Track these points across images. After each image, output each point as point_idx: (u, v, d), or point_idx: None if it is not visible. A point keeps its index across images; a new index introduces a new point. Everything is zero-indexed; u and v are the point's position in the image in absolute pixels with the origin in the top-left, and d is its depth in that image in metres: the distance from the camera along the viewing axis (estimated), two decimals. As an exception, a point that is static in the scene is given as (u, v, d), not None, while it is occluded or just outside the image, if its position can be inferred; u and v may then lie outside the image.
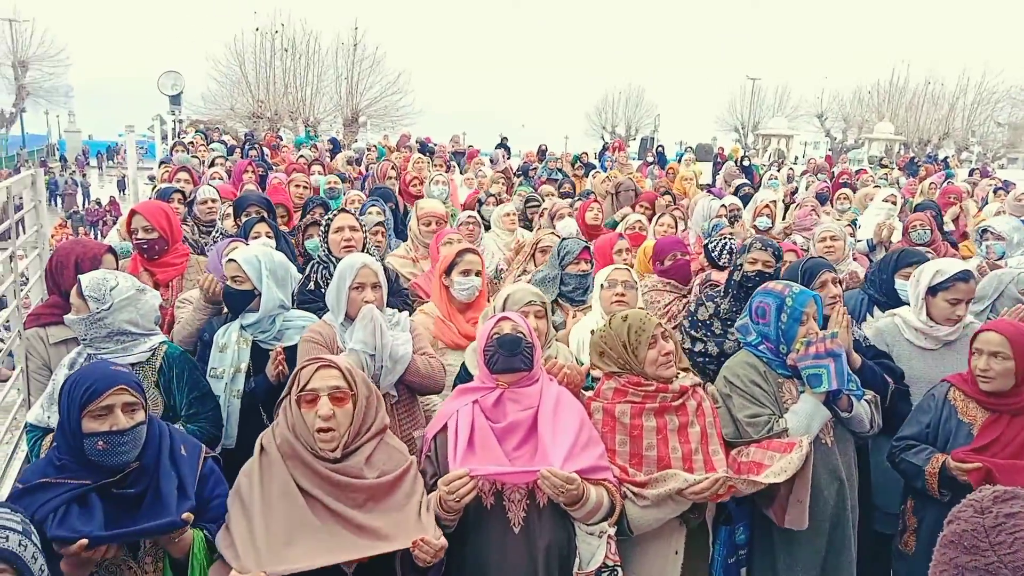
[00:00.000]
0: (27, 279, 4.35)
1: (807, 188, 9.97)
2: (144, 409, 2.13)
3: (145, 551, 2.12)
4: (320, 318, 3.18)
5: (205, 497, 2.19)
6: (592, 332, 2.92)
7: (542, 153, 14.09)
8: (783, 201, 8.85)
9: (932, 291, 3.32)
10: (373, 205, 5.49)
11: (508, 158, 13.75)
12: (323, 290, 3.40)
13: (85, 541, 1.89)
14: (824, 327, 3.02)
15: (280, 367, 3.07)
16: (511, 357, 2.45)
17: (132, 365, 2.68)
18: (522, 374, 2.49)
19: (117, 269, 3.37)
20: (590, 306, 3.75)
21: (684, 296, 4.37)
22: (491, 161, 12.79)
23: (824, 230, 4.98)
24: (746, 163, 14.77)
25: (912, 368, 3.36)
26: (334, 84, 30.95)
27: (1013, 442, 2.73)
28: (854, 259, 5.14)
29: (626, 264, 3.99)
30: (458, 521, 2.30)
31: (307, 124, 24.85)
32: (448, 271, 3.57)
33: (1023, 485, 1.29)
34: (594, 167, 12.84)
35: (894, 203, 6.81)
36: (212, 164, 7.91)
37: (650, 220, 5.97)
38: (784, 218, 7.65)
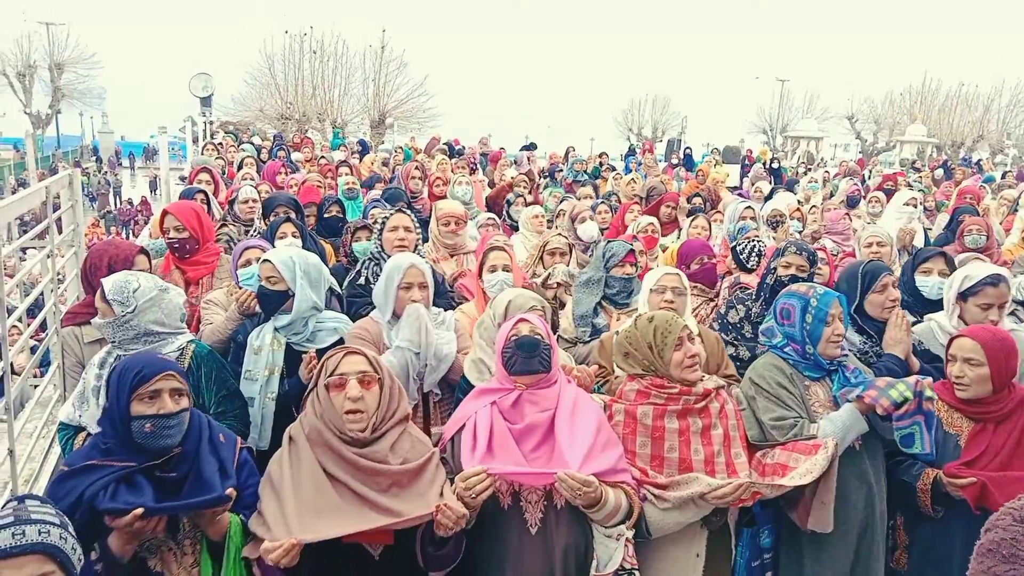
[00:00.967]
0: (63, 277, 4.44)
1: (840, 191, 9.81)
2: (188, 396, 2.20)
3: (184, 533, 2.17)
4: (361, 316, 3.24)
5: (241, 484, 2.23)
6: (616, 333, 2.92)
7: (568, 155, 14.06)
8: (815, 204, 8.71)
9: (963, 296, 3.27)
10: (375, 206, 5.52)
11: (533, 161, 13.71)
12: (372, 286, 3.45)
13: (140, 510, 1.96)
14: (883, 331, 3.07)
15: (313, 371, 3.09)
16: (530, 359, 2.45)
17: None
18: (540, 376, 2.48)
19: (150, 268, 3.43)
20: (634, 309, 3.70)
21: (711, 300, 4.35)
22: (515, 163, 12.79)
23: (871, 235, 4.92)
24: (775, 165, 14.64)
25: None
26: (361, 86, 31.29)
27: (1002, 451, 2.67)
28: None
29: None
30: (475, 520, 2.30)
31: (335, 125, 25.08)
32: (481, 272, 3.64)
33: (1019, 495, 1.26)
34: (615, 169, 12.77)
35: (915, 206, 6.71)
36: (241, 165, 8.00)
37: (674, 221, 5.92)
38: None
